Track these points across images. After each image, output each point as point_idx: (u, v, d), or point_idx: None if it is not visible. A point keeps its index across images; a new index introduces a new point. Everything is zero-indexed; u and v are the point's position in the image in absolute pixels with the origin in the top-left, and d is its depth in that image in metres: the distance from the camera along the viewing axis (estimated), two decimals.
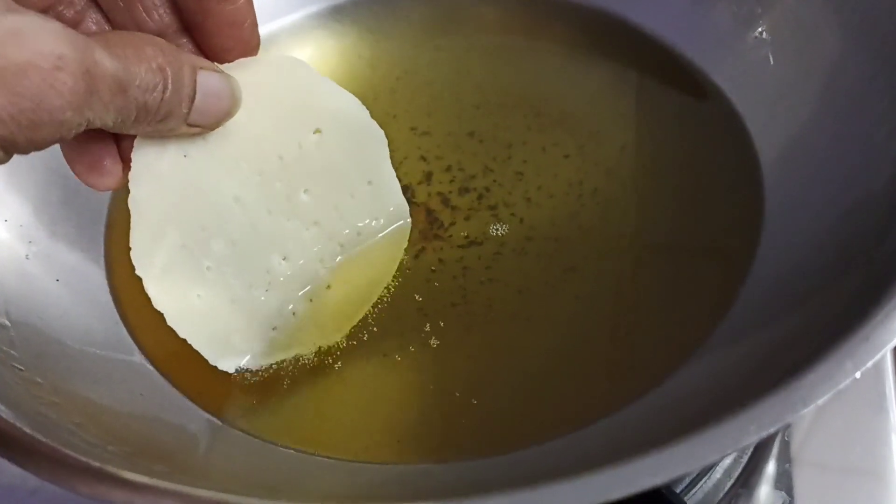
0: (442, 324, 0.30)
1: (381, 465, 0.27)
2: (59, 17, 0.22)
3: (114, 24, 0.24)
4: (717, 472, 0.32)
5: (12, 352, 0.26)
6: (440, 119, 0.38)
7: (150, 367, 0.30)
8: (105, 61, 0.19)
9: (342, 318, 0.30)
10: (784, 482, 0.34)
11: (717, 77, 0.37)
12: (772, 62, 0.35)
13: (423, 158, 0.36)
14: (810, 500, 0.33)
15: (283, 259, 0.28)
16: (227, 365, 0.28)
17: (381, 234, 0.31)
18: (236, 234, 0.27)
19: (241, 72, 0.25)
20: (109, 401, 0.27)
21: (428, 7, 0.44)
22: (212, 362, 0.27)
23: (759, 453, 0.33)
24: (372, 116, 0.38)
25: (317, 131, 0.28)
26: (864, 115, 0.30)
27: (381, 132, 0.29)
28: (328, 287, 0.30)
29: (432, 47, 0.42)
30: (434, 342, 0.30)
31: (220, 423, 0.28)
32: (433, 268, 0.32)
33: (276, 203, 0.27)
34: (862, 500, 0.33)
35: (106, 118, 0.20)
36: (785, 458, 0.34)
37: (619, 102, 0.38)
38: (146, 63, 0.21)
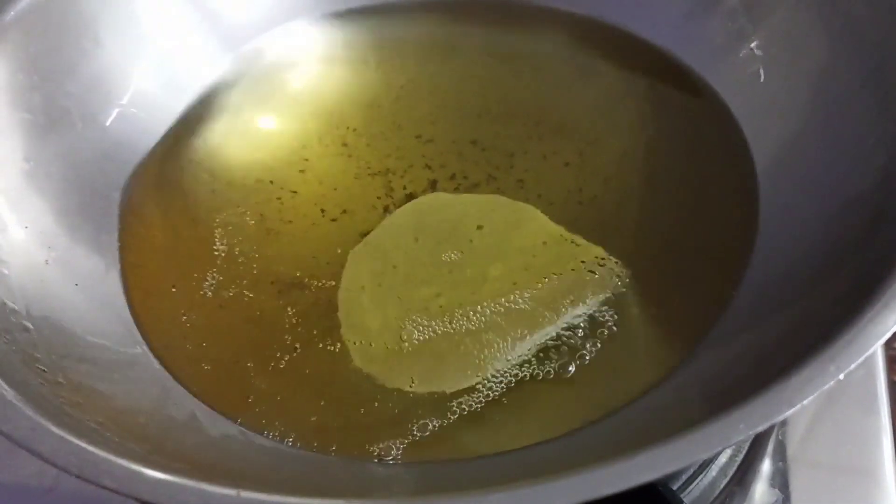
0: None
1: (388, 464, 0.27)
2: None
3: None
4: (713, 470, 0.33)
5: (35, 354, 0.27)
6: (444, 127, 0.39)
7: (164, 371, 0.31)
8: None
9: None
10: (779, 480, 0.34)
11: (715, 85, 0.38)
12: (764, 74, 0.36)
13: (428, 167, 0.37)
14: (805, 498, 0.34)
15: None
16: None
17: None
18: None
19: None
20: (127, 401, 0.28)
21: (432, 17, 0.45)
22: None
23: (755, 452, 0.34)
24: (377, 124, 0.40)
25: (479, 227, 0.33)
26: (853, 123, 0.31)
27: (529, 206, 0.34)
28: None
29: (436, 57, 0.43)
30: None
31: (232, 424, 0.29)
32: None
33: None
34: (854, 498, 0.34)
35: None
36: (780, 457, 0.35)
37: (618, 111, 0.39)
38: None
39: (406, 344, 0.31)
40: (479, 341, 0.30)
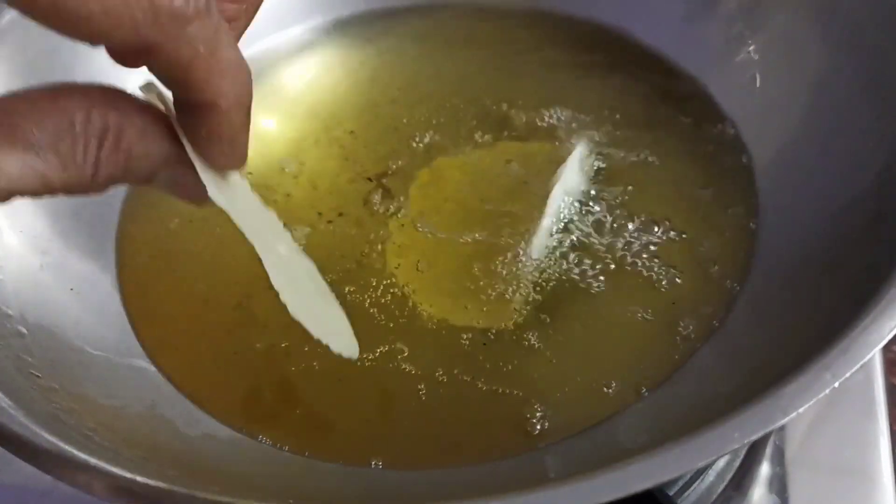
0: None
1: (386, 470, 0.27)
2: None
3: None
4: (710, 475, 0.32)
5: (29, 359, 0.27)
6: (442, 131, 0.39)
7: (159, 376, 0.31)
8: None
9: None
10: (777, 484, 0.34)
11: (713, 89, 0.38)
12: (761, 78, 0.36)
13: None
14: (803, 502, 0.34)
15: None
16: None
17: None
18: None
19: None
20: (122, 407, 0.28)
21: (429, 21, 0.45)
22: None
23: (752, 457, 0.34)
24: (374, 127, 0.40)
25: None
26: (851, 127, 0.31)
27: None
28: None
29: (433, 60, 0.43)
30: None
31: (227, 429, 0.29)
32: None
33: None
34: (853, 502, 0.34)
35: None
36: (778, 461, 0.35)
37: (617, 115, 0.39)
38: None
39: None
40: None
